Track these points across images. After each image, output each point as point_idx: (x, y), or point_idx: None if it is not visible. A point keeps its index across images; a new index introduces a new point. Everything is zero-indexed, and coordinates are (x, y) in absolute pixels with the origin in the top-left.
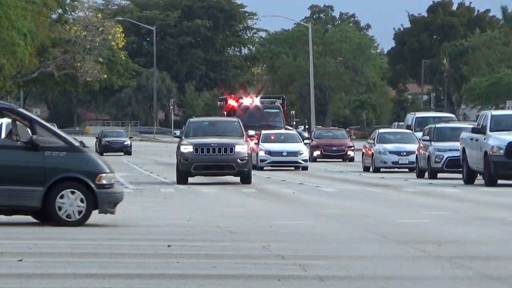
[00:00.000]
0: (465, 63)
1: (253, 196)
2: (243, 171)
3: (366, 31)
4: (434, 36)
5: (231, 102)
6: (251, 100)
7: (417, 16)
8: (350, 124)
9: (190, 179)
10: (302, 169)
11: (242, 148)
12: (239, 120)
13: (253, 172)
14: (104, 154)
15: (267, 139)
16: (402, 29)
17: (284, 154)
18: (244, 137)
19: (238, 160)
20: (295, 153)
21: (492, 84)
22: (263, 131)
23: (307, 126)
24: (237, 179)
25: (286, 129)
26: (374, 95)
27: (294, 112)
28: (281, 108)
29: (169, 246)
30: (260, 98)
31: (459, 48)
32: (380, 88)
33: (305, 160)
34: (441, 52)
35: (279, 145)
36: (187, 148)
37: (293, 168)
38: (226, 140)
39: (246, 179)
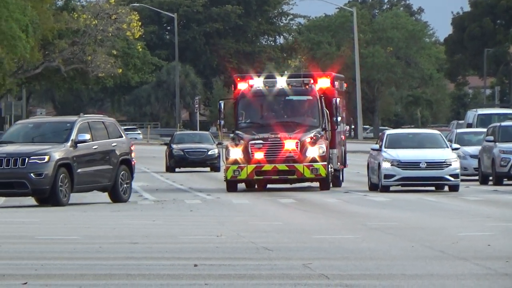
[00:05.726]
0: None
1: (292, 207)
2: (42, 190)
3: (419, 16)
4: (499, 21)
5: (242, 85)
6: (270, 82)
7: None
8: (402, 123)
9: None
10: (451, 190)
11: (41, 159)
12: (75, 121)
13: (371, 195)
14: (177, 170)
15: (394, 142)
16: (461, 13)
17: (422, 166)
18: (69, 144)
19: (32, 176)
20: (439, 165)
21: None
22: (387, 131)
23: (352, 126)
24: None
25: (323, 129)
26: (429, 90)
27: (338, 99)
28: (317, 94)
29: (195, 265)
30: (288, 78)
31: None
32: (437, 81)
33: (455, 176)
34: (507, 39)
35: (413, 152)
36: None
37: (433, 188)
38: (24, 148)
39: (52, 200)
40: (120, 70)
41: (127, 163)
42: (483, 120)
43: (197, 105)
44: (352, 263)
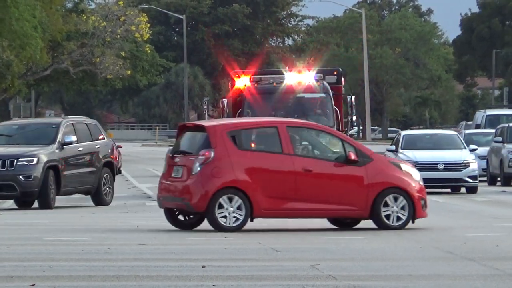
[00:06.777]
0: None
1: None
2: (31, 193)
3: (428, 17)
4: (507, 22)
5: (240, 83)
6: (277, 78)
7: None
8: (411, 124)
9: None
10: (469, 192)
11: (29, 161)
12: (60, 123)
13: None
14: None
15: (411, 143)
16: (469, 14)
17: (440, 167)
18: (55, 145)
19: (21, 178)
20: (457, 166)
21: None
22: (403, 132)
23: (361, 128)
24: None
25: (338, 129)
26: (438, 91)
27: (353, 97)
28: (330, 92)
29: (203, 266)
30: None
31: None
32: (445, 82)
33: (474, 177)
34: None
35: (430, 153)
36: None
37: (449, 190)
38: (11, 150)
39: (41, 203)
40: (129, 72)
41: (110, 166)
42: (492, 121)
43: (205, 107)
44: (360, 264)
